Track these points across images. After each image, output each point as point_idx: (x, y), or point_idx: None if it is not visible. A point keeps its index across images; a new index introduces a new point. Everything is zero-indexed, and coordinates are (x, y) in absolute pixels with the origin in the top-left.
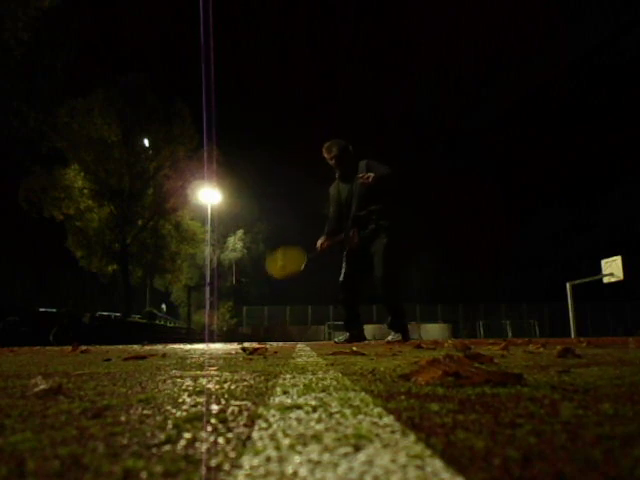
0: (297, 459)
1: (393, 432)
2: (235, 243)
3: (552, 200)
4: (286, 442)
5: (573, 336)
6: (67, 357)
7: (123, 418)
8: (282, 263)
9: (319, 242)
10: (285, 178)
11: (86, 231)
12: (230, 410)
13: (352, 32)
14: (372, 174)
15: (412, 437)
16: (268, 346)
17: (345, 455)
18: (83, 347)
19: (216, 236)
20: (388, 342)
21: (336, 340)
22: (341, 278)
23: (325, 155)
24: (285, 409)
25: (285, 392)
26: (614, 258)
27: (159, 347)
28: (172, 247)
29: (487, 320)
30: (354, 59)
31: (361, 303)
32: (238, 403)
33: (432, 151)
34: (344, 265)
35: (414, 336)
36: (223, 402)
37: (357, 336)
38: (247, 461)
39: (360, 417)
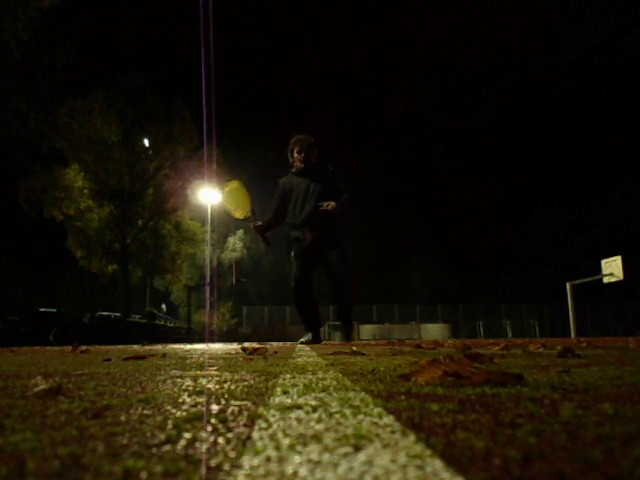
0: (297, 459)
1: (393, 432)
2: (235, 243)
3: (552, 200)
4: (286, 442)
5: (573, 336)
6: (67, 357)
7: (123, 418)
8: (230, 207)
9: (256, 224)
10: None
11: (86, 231)
12: (230, 410)
13: (352, 32)
14: (333, 203)
15: (412, 437)
16: (268, 346)
17: (345, 455)
18: (83, 347)
19: (216, 236)
20: (302, 343)
21: (302, 340)
22: (294, 282)
23: (294, 148)
24: (285, 409)
25: (285, 392)
26: (614, 258)
27: (159, 347)
28: (172, 247)
29: (487, 320)
30: (354, 59)
31: (318, 302)
32: (238, 403)
33: (432, 151)
34: (296, 267)
35: (414, 336)
36: (223, 402)
37: (315, 337)
38: (247, 461)
39: (360, 417)
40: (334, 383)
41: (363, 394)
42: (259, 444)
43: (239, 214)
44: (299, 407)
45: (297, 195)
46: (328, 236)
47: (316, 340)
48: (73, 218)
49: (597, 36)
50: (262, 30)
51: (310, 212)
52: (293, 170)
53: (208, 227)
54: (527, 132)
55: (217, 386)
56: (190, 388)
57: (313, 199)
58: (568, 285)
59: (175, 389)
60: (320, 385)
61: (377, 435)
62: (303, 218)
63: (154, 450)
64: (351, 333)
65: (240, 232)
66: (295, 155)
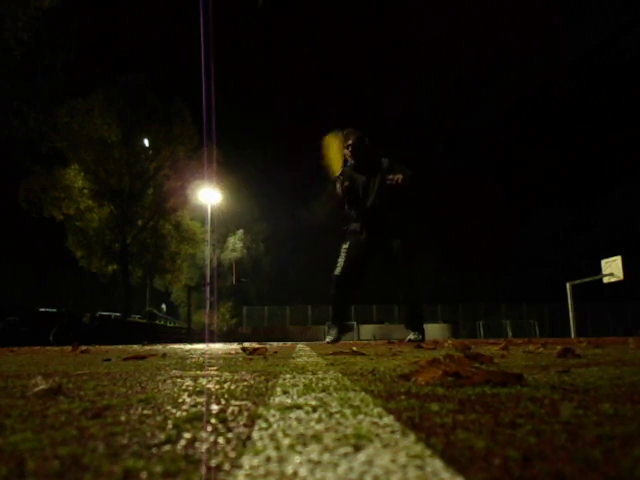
0: (297, 459)
1: (393, 432)
2: (235, 243)
3: (552, 200)
4: (286, 442)
5: (573, 336)
6: (67, 357)
7: (123, 418)
8: (331, 159)
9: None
10: (285, 178)
11: (86, 231)
12: (230, 410)
13: (352, 32)
14: (400, 175)
15: (412, 437)
16: (268, 346)
17: (345, 455)
18: (83, 347)
19: (216, 236)
20: (410, 341)
21: (328, 340)
22: (337, 272)
23: (344, 142)
24: (285, 409)
25: (285, 392)
26: (614, 258)
27: (159, 347)
28: (172, 247)
29: (487, 320)
30: (354, 59)
31: (353, 302)
32: (238, 403)
33: (432, 151)
34: (343, 259)
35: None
36: (223, 402)
37: (343, 331)
38: (247, 461)
39: (360, 417)
40: (334, 383)
41: (363, 394)
42: (259, 444)
43: (336, 168)
44: (299, 407)
45: (357, 189)
46: (391, 227)
47: (337, 339)
48: (73, 218)
49: (597, 36)
50: (262, 30)
51: (372, 206)
52: (348, 165)
53: (208, 227)
54: (527, 132)
55: (217, 386)
56: (190, 388)
57: (373, 194)
58: (568, 285)
59: (175, 389)
60: (320, 385)
61: (377, 435)
62: (366, 211)
63: (154, 450)
64: (424, 333)
65: (240, 232)
66: (345, 151)
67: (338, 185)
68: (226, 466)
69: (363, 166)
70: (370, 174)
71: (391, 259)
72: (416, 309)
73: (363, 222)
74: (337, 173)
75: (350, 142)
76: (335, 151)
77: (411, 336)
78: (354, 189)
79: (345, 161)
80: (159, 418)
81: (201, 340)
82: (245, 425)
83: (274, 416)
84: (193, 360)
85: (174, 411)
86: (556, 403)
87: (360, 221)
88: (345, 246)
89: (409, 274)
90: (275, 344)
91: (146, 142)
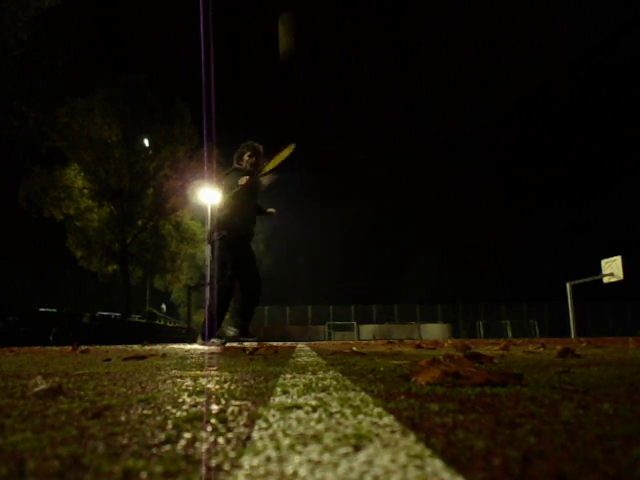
0: (297, 459)
1: (393, 432)
2: None
3: (552, 200)
4: (286, 442)
5: (573, 336)
6: (67, 357)
7: (123, 418)
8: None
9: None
10: (285, 178)
11: (86, 231)
12: (230, 410)
13: (352, 32)
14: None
15: (412, 437)
16: (268, 346)
17: (345, 455)
18: (83, 347)
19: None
20: (242, 341)
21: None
22: (227, 282)
23: (252, 155)
24: (285, 409)
25: (285, 392)
26: (614, 258)
27: (159, 347)
28: (172, 247)
29: (487, 320)
30: (354, 59)
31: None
32: (238, 403)
33: (432, 151)
34: (229, 269)
35: (414, 336)
36: (223, 402)
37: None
38: (247, 461)
39: (360, 417)
40: (334, 383)
41: (363, 394)
42: (259, 444)
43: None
44: (299, 407)
45: (249, 199)
46: (247, 243)
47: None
48: (73, 218)
49: (597, 36)
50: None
51: (248, 220)
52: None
53: (208, 227)
54: (527, 132)
55: (217, 386)
56: (190, 388)
57: (251, 208)
58: (568, 285)
59: (175, 389)
60: (320, 385)
61: (377, 435)
62: (250, 223)
63: (154, 450)
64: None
65: None
66: (249, 161)
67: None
68: (226, 466)
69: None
70: (254, 189)
71: (252, 265)
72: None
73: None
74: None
75: (256, 153)
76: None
77: (230, 332)
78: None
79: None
80: (159, 418)
81: None
82: (245, 425)
83: (274, 416)
84: (193, 360)
85: (174, 411)
86: (556, 403)
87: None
88: (231, 257)
89: (259, 291)
90: (275, 344)
91: (146, 142)
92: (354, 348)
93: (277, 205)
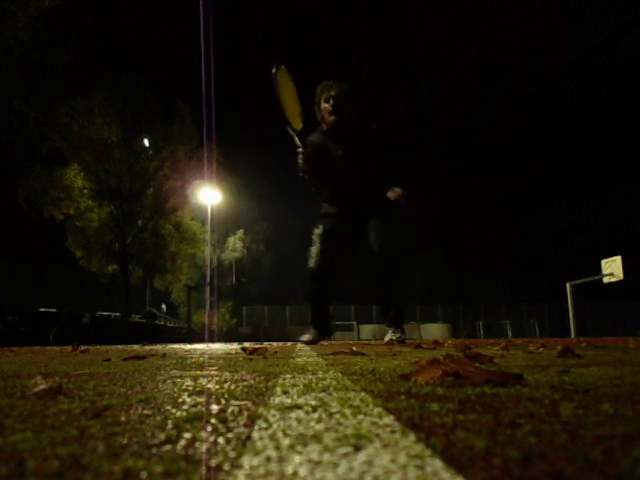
0: (297, 459)
1: (393, 432)
2: (235, 243)
3: (552, 200)
4: (286, 442)
5: (573, 336)
6: (67, 357)
7: (123, 418)
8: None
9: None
10: (285, 178)
11: (86, 231)
12: (230, 410)
13: (352, 32)
14: (399, 190)
15: (412, 437)
16: (268, 346)
17: (345, 455)
18: (83, 347)
19: (216, 236)
20: (390, 342)
21: (303, 339)
22: (312, 264)
23: (320, 95)
24: (285, 409)
25: (285, 392)
26: (614, 258)
27: (159, 347)
28: (172, 247)
29: (487, 320)
30: (354, 59)
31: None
32: (238, 403)
33: (432, 151)
34: (318, 246)
35: (414, 336)
36: (223, 402)
37: (323, 335)
38: (247, 461)
39: (360, 417)
40: (334, 383)
41: (363, 394)
42: (259, 444)
43: (296, 122)
44: (299, 407)
45: (334, 162)
46: (370, 207)
47: (313, 342)
48: (73, 218)
49: (597, 36)
50: (262, 30)
51: (351, 186)
52: (324, 127)
53: (208, 227)
54: (527, 132)
55: (217, 386)
56: (190, 388)
57: (357, 171)
58: (568, 285)
59: (175, 389)
60: (320, 385)
61: (377, 435)
62: (342, 192)
63: (154, 450)
64: (404, 331)
65: (240, 232)
66: (323, 105)
67: (301, 156)
68: (226, 466)
69: (341, 131)
70: (351, 145)
71: (371, 233)
72: (399, 299)
73: (339, 205)
74: (297, 128)
75: (333, 93)
76: (292, 99)
77: (390, 335)
78: (325, 162)
79: (315, 122)
80: (159, 418)
81: (201, 340)
82: (245, 425)
83: (274, 416)
84: (193, 360)
85: (174, 411)
86: (556, 403)
87: (335, 204)
88: (318, 232)
89: (396, 250)
90: (275, 344)
91: (146, 142)
92: (354, 348)
93: (278, 205)
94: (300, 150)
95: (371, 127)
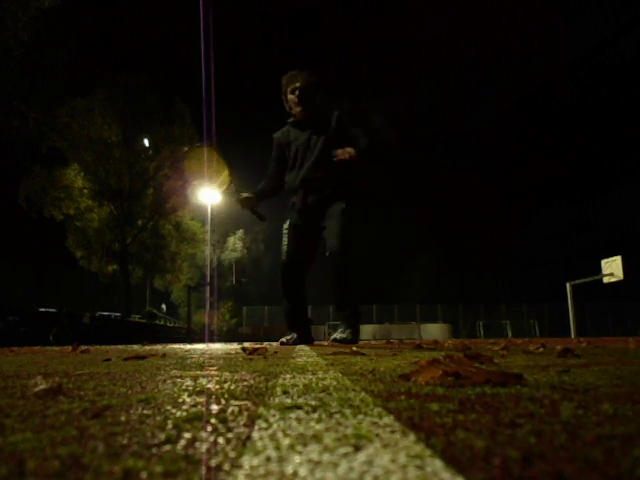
0: (297, 459)
1: (393, 432)
2: (235, 243)
3: (552, 200)
4: (286, 442)
5: (573, 336)
6: (67, 357)
7: (123, 418)
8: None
9: (242, 197)
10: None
11: (86, 231)
12: (230, 410)
13: (352, 32)
14: (351, 149)
15: (412, 437)
16: (268, 346)
17: (345, 455)
18: (83, 347)
19: (216, 236)
20: (334, 341)
21: (283, 340)
22: (283, 258)
23: (286, 87)
24: (285, 409)
25: (285, 392)
26: (614, 258)
27: (159, 347)
28: (172, 247)
29: (487, 320)
30: (354, 59)
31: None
32: (238, 403)
33: (432, 151)
34: (287, 241)
35: (414, 336)
36: (223, 402)
37: (304, 336)
38: (247, 461)
39: (360, 417)
40: (334, 383)
41: (363, 394)
42: (259, 444)
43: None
44: (299, 407)
45: (296, 150)
46: (332, 197)
47: (305, 339)
48: (73, 218)
49: (597, 36)
50: (262, 30)
51: (310, 170)
52: (290, 120)
53: (208, 227)
54: (527, 132)
55: (217, 386)
56: (190, 388)
57: (315, 153)
58: (568, 285)
59: (175, 389)
60: (320, 385)
61: (377, 435)
62: (301, 178)
63: (154, 450)
64: (356, 331)
65: (240, 232)
66: (290, 97)
67: (236, 199)
68: (226, 466)
69: (307, 120)
70: (314, 131)
71: (329, 225)
72: (353, 294)
73: (299, 191)
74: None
75: (299, 85)
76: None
77: (338, 335)
78: (288, 151)
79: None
80: (159, 418)
81: (201, 340)
82: (245, 425)
83: (274, 416)
84: (193, 360)
85: (174, 411)
86: (556, 403)
87: (297, 191)
88: (285, 226)
89: (349, 242)
90: (275, 344)
91: (146, 142)
92: (354, 348)
93: (278, 205)
94: (236, 201)
95: (334, 114)
